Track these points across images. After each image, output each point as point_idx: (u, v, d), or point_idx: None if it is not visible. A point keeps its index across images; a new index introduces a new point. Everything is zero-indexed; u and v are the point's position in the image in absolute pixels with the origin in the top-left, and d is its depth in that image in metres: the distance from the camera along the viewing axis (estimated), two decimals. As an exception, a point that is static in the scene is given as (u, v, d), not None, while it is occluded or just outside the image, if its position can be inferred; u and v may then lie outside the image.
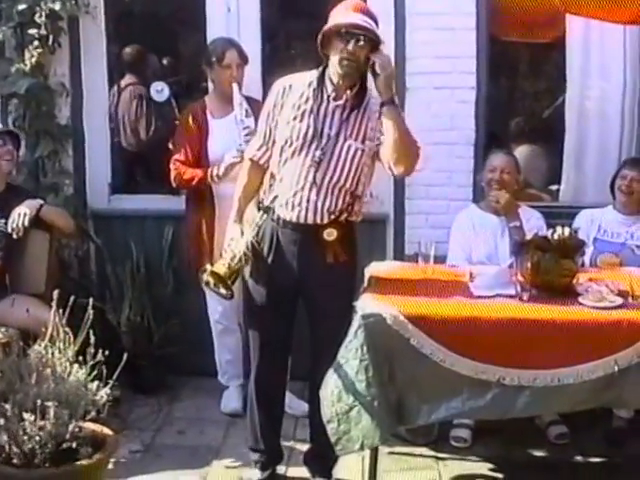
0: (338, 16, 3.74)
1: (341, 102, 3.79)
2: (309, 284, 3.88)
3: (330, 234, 3.81)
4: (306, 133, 3.78)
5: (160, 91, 5.59)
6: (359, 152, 3.79)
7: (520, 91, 6.60)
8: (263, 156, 3.96)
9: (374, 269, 4.22)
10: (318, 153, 3.77)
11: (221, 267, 3.83)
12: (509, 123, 6.21)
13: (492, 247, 4.71)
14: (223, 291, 3.87)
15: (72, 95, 5.36)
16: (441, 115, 5.08)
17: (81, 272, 5.42)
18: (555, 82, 5.92)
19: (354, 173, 3.81)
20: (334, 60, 3.72)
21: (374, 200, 5.16)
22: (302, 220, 3.80)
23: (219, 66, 4.81)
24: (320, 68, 3.83)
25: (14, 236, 4.51)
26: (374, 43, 3.69)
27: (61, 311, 3.59)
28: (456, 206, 5.00)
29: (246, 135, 4.53)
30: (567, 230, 3.96)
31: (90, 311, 3.54)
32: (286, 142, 3.81)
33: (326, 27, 3.73)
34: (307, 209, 3.79)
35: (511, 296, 3.80)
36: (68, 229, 4.86)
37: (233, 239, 3.90)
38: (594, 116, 5.36)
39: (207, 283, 3.88)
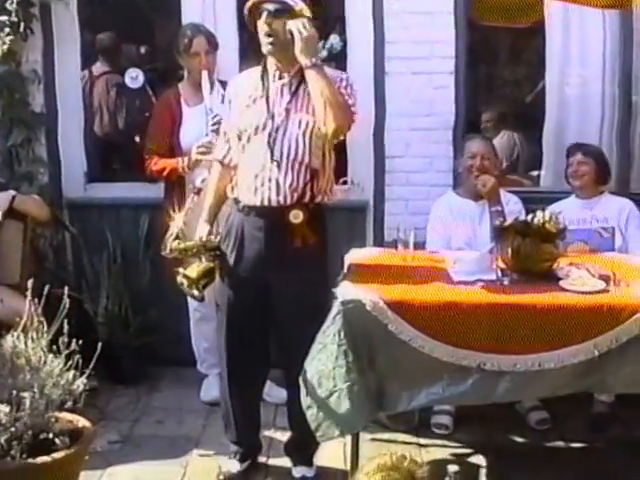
0: None
1: (286, 80, 3.80)
2: (278, 270, 3.83)
3: (296, 216, 3.77)
4: (259, 117, 3.79)
5: (135, 78, 5.55)
6: (310, 124, 3.75)
7: (499, 76, 6.61)
8: (227, 155, 3.97)
9: (353, 256, 4.21)
10: (273, 132, 3.76)
11: (193, 270, 3.84)
12: (488, 108, 6.18)
13: (471, 233, 4.71)
14: (195, 292, 3.87)
15: (45, 82, 5.30)
16: (420, 100, 5.06)
17: (57, 262, 5.37)
18: (535, 67, 5.93)
19: (308, 146, 3.77)
20: (261, 40, 3.74)
21: (354, 187, 5.16)
22: (266, 202, 3.78)
23: (187, 54, 4.78)
24: (264, 56, 3.84)
25: None
26: (291, 13, 3.68)
27: (36, 301, 3.54)
28: (436, 192, 4.98)
29: (213, 125, 4.50)
30: (547, 214, 3.93)
31: (66, 300, 3.49)
32: (240, 130, 3.82)
33: (245, 9, 3.78)
34: (270, 189, 3.77)
35: (491, 281, 3.78)
36: (43, 217, 4.82)
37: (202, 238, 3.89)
38: (574, 101, 5.38)
39: (181, 284, 3.88)
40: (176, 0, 5.22)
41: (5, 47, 5.05)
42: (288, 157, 3.77)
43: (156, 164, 4.78)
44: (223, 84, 4.78)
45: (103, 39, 5.97)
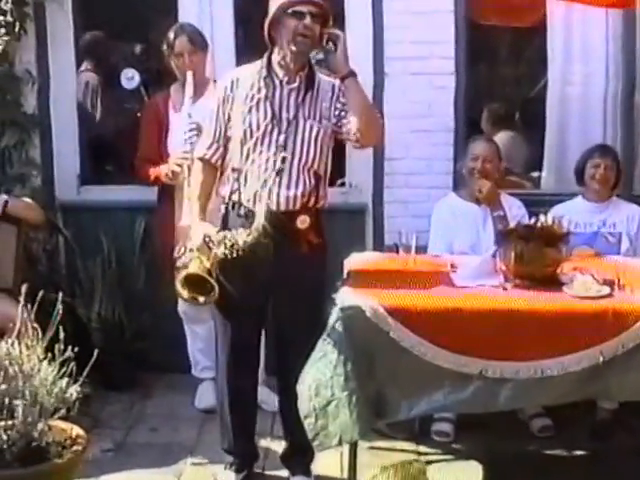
0: None
1: (295, 85, 3.78)
2: (283, 276, 3.77)
3: (303, 222, 3.75)
4: (265, 121, 3.75)
5: (130, 78, 5.48)
6: (320, 131, 3.76)
7: (500, 76, 6.56)
8: (214, 154, 3.88)
9: (353, 260, 4.17)
10: (281, 138, 3.73)
11: (196, 268, 3.65)
12: (489, 109, 6.12)
13: (475, 237, 4.66)
14: (202, 299, 3.70)
15: (39, 83, 5.24)
16: (419, 102, 5.02)
17: (50, 266, 5.30)
18: (536, 67, 5.89)
19: (319, 153, 3.78)
20: (285, 40, 3.70)
21: (352, 190, 5.10)
22: (274, 207, 3.73)
23: (172, 54, 4.72)
24: (265, 56, 3.80)
25: None
26: (325, 20, 3.69)
27: (29, 306, 3.46)
28: (436, 194, 4.93)
29: (190, 130, 4.44)
30: (550, 218, 3.89)
31: (59, 306, 3.42)
32: (245, 134, 3.76)
33: (279, 7, 3.69)
34: (278, 195, 3.73)
35: (494, 286, 3.75)
36: (37, 220, 4.76)
37: (208, 235, 3.74)
38: (576, 101, 5.32)
39: (180, 291, 3.69)
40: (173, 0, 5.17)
41: (0, 48, 4.98)
42: (299, 163, 3.75)
43: (145, 171, 4.73)
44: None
45: (92, 38, 5.90)
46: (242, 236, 3.65)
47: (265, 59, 3.79)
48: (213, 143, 3.88)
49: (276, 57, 3.77)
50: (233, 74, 3.89)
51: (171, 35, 4.72)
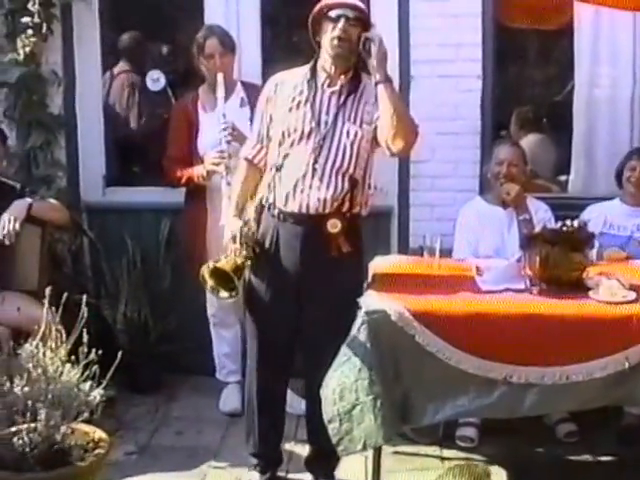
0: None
1: (336, 88, 3.77)
2: (311, 279, 3.78)
3: (334, 225, 3.73)
4: (303, 123, 3.74)
5: (156, 80, 5.49)
6: (358, 135, 3.74)
7: (527, 79, 6.52)
8: (258, 155, 3.91)
9: (378, 264, 4.16)
10: (317, 140, 3.72)
11: (224, 263, 3.71)
12: (516, 112, 6.08)
13: (500, 241, 4.63)
14: (225, 294, 3.74)
15: (65, 84, 5.25)
16: (446, 104, 4.99)
17: (75, 268, 5.30)
18: (563, 70, 5.82)
19: (355, 157, 3.76)
20: (325, 43, 3.70)
21: (378, 192, 5.06)
22: (304, 210, 3.73)
23: (202, 56, 4.72)
24: (313, 60, 3.80)
25: (6, 242, 4.40)
26: (365, 24, 3.68)
27: (54, 308, 3.48)
28: (462, 198, 4.89)
29: (224, 130, 4.45)
30: (577, 222, 3.85)
31: (84, 308, 3.43)
32: (283, 135, 3.77)
33: (316, 11, 3.72)
34: (309, 197, 3.72)
35: (520, 291, 3.73)
36: (62, 222, 4.77)
37: (236, 233, 3.79)
38: (604, 104, 5.25)
39: (203, 279, 3.74)
40: (199, 0, 5.16)
41: (27, 49, 5.00)
42: (333, 166, 3.73)
43: (174, 172, 4.72)
44: (245, 86, 4.75)
45: (118, 39, 5.90)
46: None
47: (312, 62, 3.80)
48: (257, 144, 3.91)
49: (320, 61, 3.77)
50: (279, 76, 3.90)
51: (201, 36, 4.73)
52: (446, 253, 4.27)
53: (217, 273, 3.71)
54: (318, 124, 3.73)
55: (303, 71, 3.83)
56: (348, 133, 3.73)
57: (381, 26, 4.84)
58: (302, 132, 3.73)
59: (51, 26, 5.11)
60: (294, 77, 3.84)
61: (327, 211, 3.73)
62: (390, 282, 3.86)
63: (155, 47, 6.27)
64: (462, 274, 3.98)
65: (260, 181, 3.92)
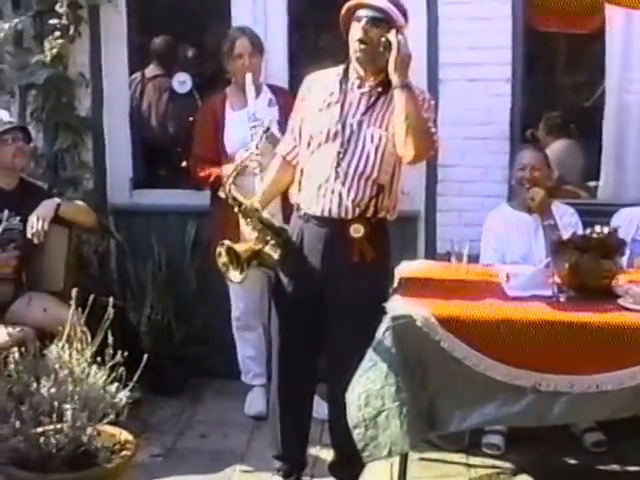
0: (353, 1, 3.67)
1: (366, 90, 3.72)
2: (333, 283, 3.74)
3: (357, 230, 3.69)
4: (330, 124, 3.70)
5: (182, 82, 5.49)
6: (383, 139, 3.67)
7: (557, 84, 6.47)
8: (292, 152, 3.89)
9: (404, 268, 4.12)
10: (342, 144, 3.68)
11: (239, 246, 3.72)
12: (545, 117, 6.04)
13: (527, 247, 4.60)
14: (233, 273, 3.71)
15: (92, 86, 5.26)
16: (475, 109, 4.94)
17: (101, 270, 5.31)
18: (593, 75, 5.79)
19: (379, 162, 3.69)
20: (350, 44, 3.64)
21: (405, 197, 5.03)
22: (326, 214, 3.70)
23: (231, 56, 4.74)
24: (347, 60, 3.75)
25: (35, 241, 4.43)
26: (392, 26, 3.58)
27: (80, 310, 3.49)
28: (491, 203, 4.85)
29: (253, 128, 4.43)
30: (607, 229, 3.81)
31: (110, 310, 3.44)
32: (311, 136, 3.74)
33: (343, 12, 3.66)
34: (331, 201, 3.69)
35: (548, 298, 3.68)
36: (89, 224, 4.78)
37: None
38: (634, 109, 5.18)
39: (219, 255, 3.72)
40: (226, 2, 5.16)
41: (54, 51, 5.01)
42: (355, 171, 3.68)
43: (202, 171, 4.71)
44: (272, 88, 4.75)
45: (157, 42, 5.91)
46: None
47: (346, 63, 3.75)
48: (291, 142, 3.89)
49: (352, 61, 3.72)
50: (313, 76, 3.87)
51: (231, 37, 4.75)
52: (474, 259, 4.23)
53: (231, 253, 3.70)
54: (344, 126, 3.69)
55: (337, 71, 3.78)
56: (372, 138, 3.68)
57: (410, 29, 4.88)
58: (328, 134, 3.70)
59: (79, 28, 5.12)
60: (327, 77, 3.80)
61: (350, 216, 3.70)
62: (416, 287, 3.83)
63: (181, 49, 6.26)
64: (489, 280, 3.94)
65: (292, 179, 3.90)
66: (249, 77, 4.58)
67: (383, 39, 3.54)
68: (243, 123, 4.58)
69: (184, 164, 4.93)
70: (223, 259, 3.71)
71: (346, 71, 3.74)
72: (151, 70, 5.88)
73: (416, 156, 3.61)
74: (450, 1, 4.88)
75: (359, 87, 3.72)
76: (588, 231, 3.84)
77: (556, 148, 5.62)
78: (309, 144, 3.75)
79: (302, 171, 3.81)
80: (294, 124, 3.89)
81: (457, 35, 4.89)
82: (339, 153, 3.67)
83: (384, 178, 3.72)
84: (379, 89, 3.69)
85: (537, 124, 5.94)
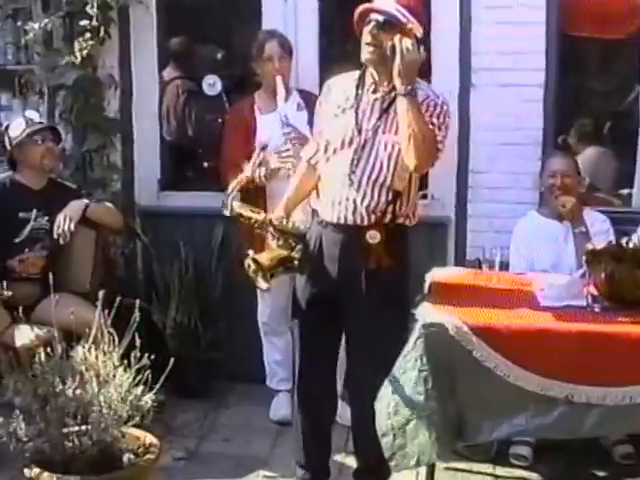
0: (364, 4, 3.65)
1: (379, 95, 3.66)
2: (348, 290, 3.71)
3: (373, 237, 3.65)
4: (345, 130, 3.67)
5: (212, 85, 5.44)
6: (397, 146, 3.60)
7: (590, 89, 6.37)
8: (314, 157, 3.86)
9: (435, 275, 4.07)
10: (357, 150, 3.64)
11: (264, 256, 3.70)
12: (578, 123, 5.97)
13: (556, 255, 4.53)
14: (261, 282, 3.69)
15: (121, 88, 5.26)
16: (507, 114, 4.87)
17: (127, 271, 5.31)
18: (627, 80, 5.76)
19: (393, 169, 3.63)
20: (362, 48, 3.60)
21: (435, 202, 5.00)
22: (342, 220, 3.67)
23: (261, 59, 4.72)
24: (364, 65, 3.71)
25: (61, 242, 4.45)
26: (403, 29, 3.51)
27: (106, 312, 3.46)
28: (522, 210, 4.78)
29: (285, 133, 4.45)
30: (641, 238, 3.76)
31: (137, 313, 3.43)
32: (328, 141, 3.71)
33: (355, 16, 3.62)
34: (346, 208, 3.66)
35: (582, 308, 3.64)
36: (116, 225, 4.79)
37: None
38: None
39: (248, 267, 3.70)
40: (257, 5, 5.12)
41: (84, 52, 5.01)
42: (369, 178, 3.64)
43: (233, 174, 4.67)
44: (302, 93, 4.73)
45: (174, 43, 5.90)
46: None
47: (362, 68, 3.70)
48: (315, 146, 3.85)
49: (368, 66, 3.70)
50: (332, 81, 3.84)
51: (261, 39, 4.73)
52: (505, 266, 4.19)
53: (256, 263, 3.68)
54: (359, 133, 3.65)
55: (354, 76, 3.74)
56: (386, 145, 3.62)
57: (441, 33, 4.85)
58: (343, 140, 3.66)
59: (108, 29, 5.11)
60: (345, 82, 3.76)
61: (365, 223, 3.66)
62: (447, 294, 3.79)
63: (210, 52, 6.24)
64: (522, 289, 3.90)
65: (315, 185, 3.87)
66: (279, 80, 4.56)
67: (389, 43, 3.49)
68: (272, 126, 4.56)
69: (212, 166, 4.89)
70: (252, 268, 3.69)
71: (362, 76, 3.70)
72: (171, 73, 5.86)
73: (417, 166, 3.55)
74: (484, 5, 4.83)
75: (373, 92, 3.67)
76: (624, 240, 3.79)
77: (588, 155, 5.55)
78: (326, 150, 3.72)
79: (319, 177, 3.80)
80: (316, 129, 3.88)
81: (489, 39, 4.83)
82: (353, 160, 3.64)
83: (400, 184, 3.67)
84: (392, 94, 3.61)
85: (569, 130, 5.87)
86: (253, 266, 3.68)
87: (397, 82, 3.47)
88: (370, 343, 3.65)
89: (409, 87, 3.46)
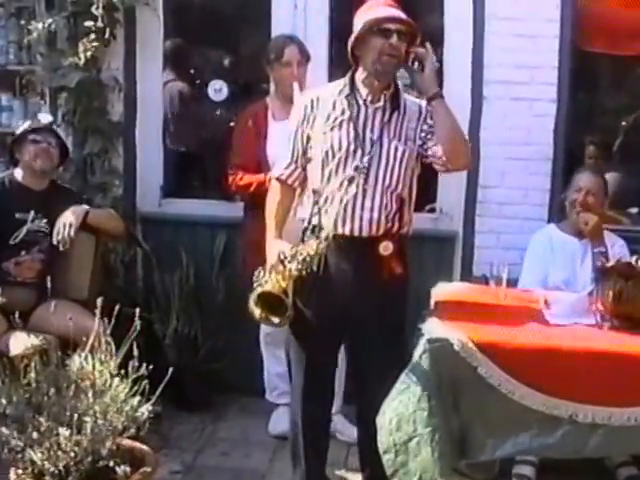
0: (369, 14, 3.61)
1: (380, 104, 3.67)
2: (361, 304, 3.66)
3: (386, 248, 3.63)
4: (348, 141, 3.63)
5: (218, 90, 5.41)
6: (406, 153, 3.65)
7: (601, 106, 6.36)
8: (292, 175, 3.79)
9: (441, 290, 4.06)
10: (365, 159, 3.62)
11: (270, 286, 3.52)
12: (588, 139, 5.93)
13: (571, 272, 4.48)
14: (276, 319, 3.57)
15: (125, 91, 5.20)
16: (518, 128, 4.85)
17: (127, 279, 5.22)
18: (637, 97, 5.75)
19: (403, 175, 3.67)
20: (370, 59, 3.59)
21: (442, 216, 4.95)
22: (357, 233, 3.63)
23: (278, 64, 4.63)
24: (348, 75, 3.70)
25: (60, 248, 4.38)
26: (410, 38, 3.58)
27: (105, 320, 3.41)
28: (531, 226, 4.76)
29: None
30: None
31: (137, 322, 3.37)
32: (327, 155, 3.65)
33: (364, 25, 3.58)
34: (362, 219, 3.62)
35: (590, 326, 3.65)
36: (117, 231, 4.73)
37: (282, 252, 3.62)
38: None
39: (258, 315, 3.57)
40: (267, 10, 5.08)
41: (88, 54, 4.96)
42: (383, 186, 3.63)
43: (242, 179, 4.62)
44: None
45: (181, 47, 5.85)
46: (312, 246, 3.57)
47: (348, 78, 3.69)
48: (291, 164, 3.78)
49: (360, 76, 3.66)
50: (312, 93, 3.79)
51: (278, 44, 4.65)
52: (512, 283, 4.13)
53: (264, 298, 3.54)
54: (363, 142, 3.63)
55: (337, 87, 3.70)
56: (396, 150, 3.63)
57: (454, 44, 4.81)
58: (347, 151, 3.62)
59: (114, 31, 5.06)
60: (330, 93, 3.72)
61: (380, 233, 3.64)
62: (453, 310, 3.78)
63: (217, 56, 6.20)
64: (529, 306, 3.89)
65: (294, 202, 3.83)
66: (297, 87, 4.48)
67: (412, 52, 3.56)
68: (285, 133, 4.49)
69: (216, 173, 4.83)
70: (258, 312, 3.56)
71: (352, 87, 3.68)
72: (166, 74, 5.80)
73: (467, 163, 3.77)
74: (497, 17, 4.80)
75: (372, 102, 3.66)
76: (633, 259, 3.76)
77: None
78: (324, 164, 3.66)
79: (316, 193, 3.70)
80: (294, 146, 3.77)
81: (502, 52, 4.81)
82: (363, 169, 3.61)
83: (406, 191, 3.72)
84: (392, 103, 3.66)
85: (581, 146, 5.83)
86: (258, 313, 3.54)
87: (431, 86, 3.57)
88: (383, 356, 3.64)
89: (438, 90, 3.60)
